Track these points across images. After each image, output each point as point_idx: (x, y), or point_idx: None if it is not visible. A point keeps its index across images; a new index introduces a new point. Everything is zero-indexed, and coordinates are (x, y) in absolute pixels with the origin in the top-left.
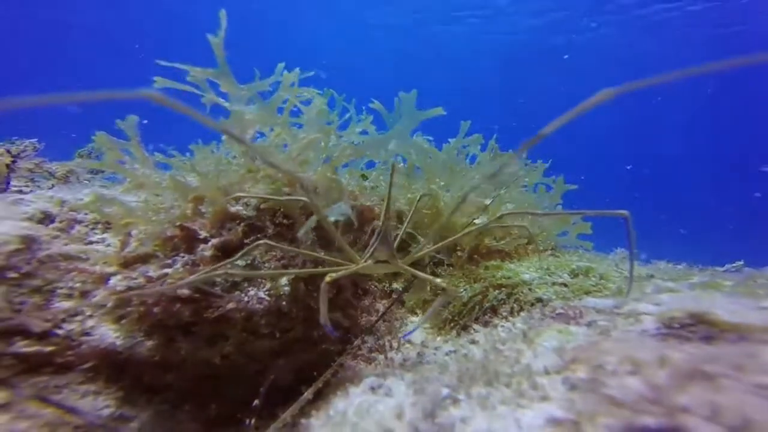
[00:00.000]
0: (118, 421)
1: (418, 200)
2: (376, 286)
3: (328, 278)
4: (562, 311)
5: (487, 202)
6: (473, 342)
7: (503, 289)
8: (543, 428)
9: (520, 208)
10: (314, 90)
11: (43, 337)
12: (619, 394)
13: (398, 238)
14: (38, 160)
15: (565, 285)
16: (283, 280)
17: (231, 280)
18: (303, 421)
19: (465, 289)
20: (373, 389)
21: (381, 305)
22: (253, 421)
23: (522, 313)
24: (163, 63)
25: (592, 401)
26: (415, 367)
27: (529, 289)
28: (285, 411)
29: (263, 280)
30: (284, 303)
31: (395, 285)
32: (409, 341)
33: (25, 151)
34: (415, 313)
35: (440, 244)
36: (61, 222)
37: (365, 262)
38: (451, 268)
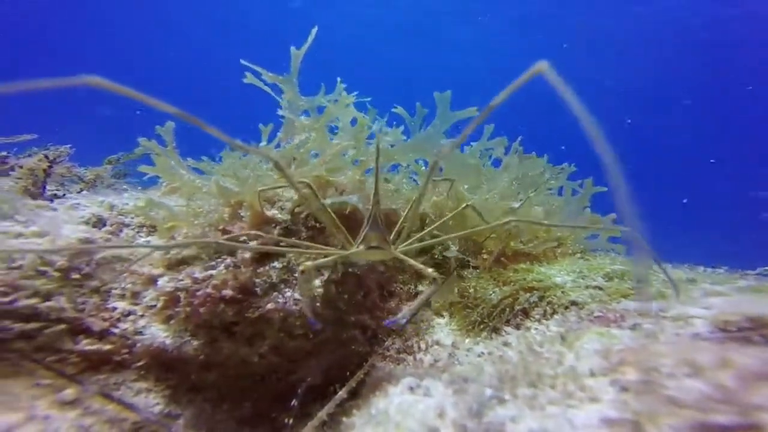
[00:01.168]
0: (168, 418)
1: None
2: (401, 288)
3: (302, 267)
4: (600, 314)
5: (515, 205)
6: (506, 344)
7: (535, 292)
8: (598, 428)
9: (525, 217)
10: (361, 114)
11: (103, 336)
12: (681, 395)
13: (404, 232)
14: (69, 165)
15: (600, 288)
16: (317, 282)
17: (269, 281)
18: (344, 419)
19: (494, 292)
20: (411, 389)
21: (407, 307)
22: (291, 420)
23: (556, 316)
24: (246, 63)
25: (650, 402)
26: (449, 368)
27: (562, 292)
28: (317, 409)
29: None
30: (318, 304)
31: (420, 287)
32: (438, 342)
33: (61, 156)
34: (441, 315)
35: (430, 228)
36: (111, 225)
37: (357, 247)
38: (477, 270)
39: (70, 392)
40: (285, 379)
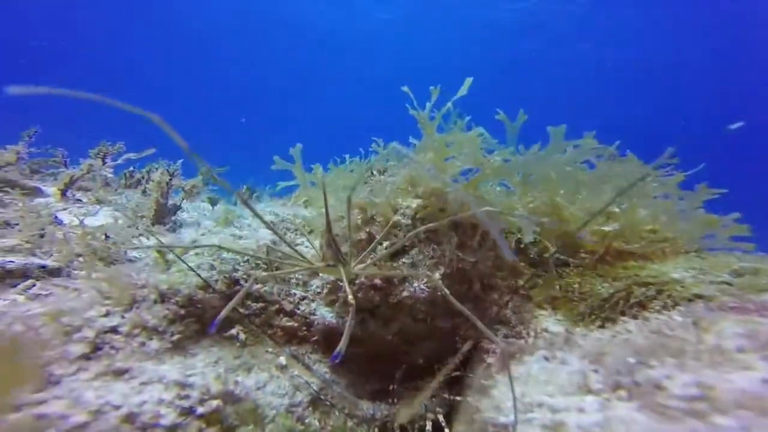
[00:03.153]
0: (334, 384)
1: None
2: (501, 282)
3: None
4: (736, 305)
5: (615, 209)
6: (627, 330)
7: (651, 286)
8: (762, 385)
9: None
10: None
11: (292, 314)
12: None
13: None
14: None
15: (729, 284)
16: (437, 274)
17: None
18: (483, 382)
19: (603, 286)
20: (547, 359)
21: (508, 299)
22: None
23: (679, 308)
24: (406, 90)
25: None
26: (572, 348)
27: (682, 287)
28: (428, 384)
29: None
30: (439, 293)
31: (520, 281)
32: (546, 329)
33: (177, 171)
34: (543, 308)
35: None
36: (281, 230)
37: (319, 264)
38: (580, 268)
39: (283, 359)
40: (404, 358)
